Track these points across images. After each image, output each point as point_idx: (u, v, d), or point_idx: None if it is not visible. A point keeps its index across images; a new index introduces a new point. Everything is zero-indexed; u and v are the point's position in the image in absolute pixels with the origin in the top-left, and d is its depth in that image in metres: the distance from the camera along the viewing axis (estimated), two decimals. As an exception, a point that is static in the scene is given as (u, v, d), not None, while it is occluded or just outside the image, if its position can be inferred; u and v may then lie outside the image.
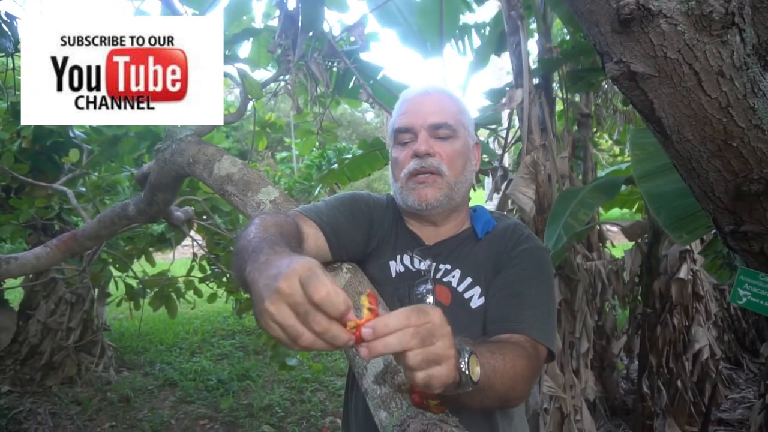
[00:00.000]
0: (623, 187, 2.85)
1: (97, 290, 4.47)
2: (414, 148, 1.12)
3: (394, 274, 1.15)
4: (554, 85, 3.78)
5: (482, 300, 1.10)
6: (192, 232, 3.31)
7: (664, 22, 0.91)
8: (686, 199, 1.65)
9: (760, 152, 0.95)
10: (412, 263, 1.16)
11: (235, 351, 5.62)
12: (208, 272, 3.65)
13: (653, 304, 3.26)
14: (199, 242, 3.50)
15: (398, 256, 1.17)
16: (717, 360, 3.32)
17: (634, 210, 4.58)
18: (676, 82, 0.94)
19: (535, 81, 3.38)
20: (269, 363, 4.40)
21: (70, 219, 3.94)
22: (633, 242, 3.34)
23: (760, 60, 1.19)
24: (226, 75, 2.14)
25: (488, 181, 4.17)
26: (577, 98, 4.12)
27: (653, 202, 1.83)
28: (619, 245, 5.41)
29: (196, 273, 3.65)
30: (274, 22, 2.72)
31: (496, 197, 3.57)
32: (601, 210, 4.33)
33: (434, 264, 1.15)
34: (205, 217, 3.28)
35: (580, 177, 3.90)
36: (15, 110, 3.23)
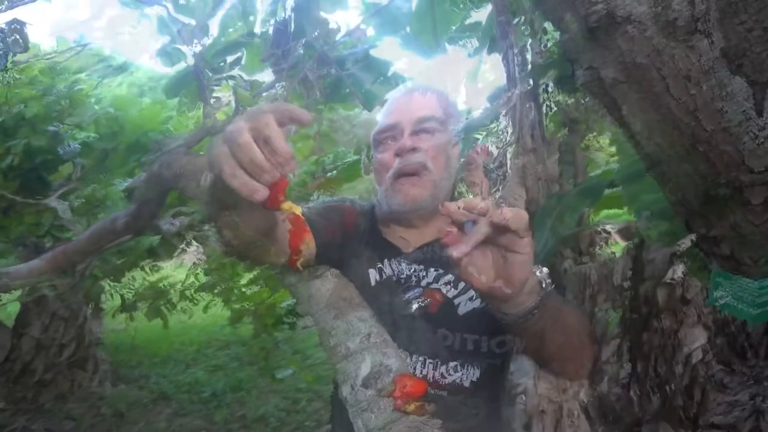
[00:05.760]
0: (608, 190, 2.85)
1: (90, 305, 4.45)
2: (398, 145, 1.11)
3: (373, 283, 1.14)
4: (548, 87, 3.80)
5: (475, 303, 1.09)
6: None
7: (632, 27, 0.93)
8: (665, 203, 1.66)
9: (728, 156, 0.96)
10: (394, 271, 1.14)
11: (229, 362, 5.59)
12: (204, 281, 3.65)
13: (639, 308, 3.27)
14: (200, 252, 3.50)
15: (378, 265, 1.15)
16: (707, 363, 3.34)
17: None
18: (645, 88, 0.96)
19: (527, 85, 3.40)
20: (264, 373, 4.40)
21: (62, 236, 3.93)
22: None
23: (730, 64, 1.22)
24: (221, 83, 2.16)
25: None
26: (569, 101, 4.14)
27: (633, 206, 1.84)
28: (615, 246, 5.41)
29: (194, 281, 3.64)
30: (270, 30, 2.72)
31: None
32: (605, 211, 4.33)
33: (423, 269, 1.13)
34: (199, 228, 3.28)
35: (571, 180, 3.91)
36: (4, 128, 3.23)
